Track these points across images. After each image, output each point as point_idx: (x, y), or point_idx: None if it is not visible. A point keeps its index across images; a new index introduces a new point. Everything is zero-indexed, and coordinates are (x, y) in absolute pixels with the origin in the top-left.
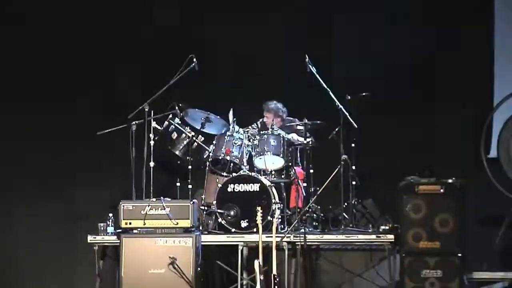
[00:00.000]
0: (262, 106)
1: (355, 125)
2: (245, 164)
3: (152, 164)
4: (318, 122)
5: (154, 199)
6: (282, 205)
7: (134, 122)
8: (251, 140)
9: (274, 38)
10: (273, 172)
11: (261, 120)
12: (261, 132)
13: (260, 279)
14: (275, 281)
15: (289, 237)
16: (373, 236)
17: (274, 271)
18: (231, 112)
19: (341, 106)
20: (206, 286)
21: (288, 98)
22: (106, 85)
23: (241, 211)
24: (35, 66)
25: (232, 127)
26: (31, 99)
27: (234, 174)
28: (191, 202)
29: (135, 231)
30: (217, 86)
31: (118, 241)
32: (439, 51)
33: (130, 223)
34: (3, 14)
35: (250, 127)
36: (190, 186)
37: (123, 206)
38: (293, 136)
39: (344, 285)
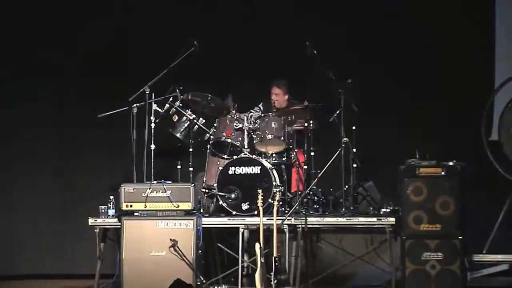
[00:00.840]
0: (271, 85)
1: (355, 108)
2: (246, 146)
3: (153, 146)
4: (319, 104)
5: (155, 182)
6: (283, 187)
7: (135, 105)
8: (252, 123)
9: (275, 22)
10: (274, 155)
11: (262, 103)
12: (262, 115)
13: (261, 261)
14: (276, 264)
15: (290, 219)
16: (374, 219)
17: (275, 254)
18: (230, 98)
19: (341, 89)
20: (206, 269)
21: (289, 81)
22: (107, 67)
23: (242, 193)
24: (37, 48)
25: (232, 110)
26: (32, 81)
27: (235, 156)
28: (192, 185)
29: (136, 213)
30: (218, 69)
31: (119, 223)
32: (440, 34)
33: (131, 206)
34: None
35: (252, 110)
36: (191, 169)
37: (124, 188)
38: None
39: (345, 267)
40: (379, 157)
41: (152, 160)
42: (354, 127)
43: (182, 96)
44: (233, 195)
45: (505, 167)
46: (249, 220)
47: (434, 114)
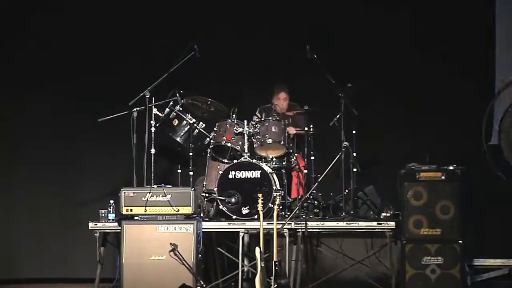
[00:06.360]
0: (277, 89)
1: (355, 112)
2: (246, 151)
3: (153, 150)
4: (319, 109)
5: (155, 186)
6: (283, 192)
7: (135, 109)
8: (252, 127)
9: (275, 25)
10: (274, 159)
11: (258, 109)
12: (262, 119)
13: (261, 266)
14: (276, 268)
15: (290, 224)
16: (374, 223)
17: (275, 258)
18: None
19: (341, 93)
20: (206, 273)
21: (289, 85)
22: (107, 72)
23: (242, 198)
24: (37, 50)
25: (231, 114)
26: (33, 86)
27: (235, 161)
28: (192, 189)
29: (136, 217)
30: (218, 73)
31: (119, 227)
32: (440, 38)
33: (131, 210)
34: None
35: (252, 122)
36: (191, 173)
37: (124, 193)
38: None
39: (345, 271)
40: (379, 161)
41: (152, 164)
42: (354, 132)
43: (182, 100)
44: (233, 199)
45: (505, 172)
46: (249, 224)
47: (434, 118)
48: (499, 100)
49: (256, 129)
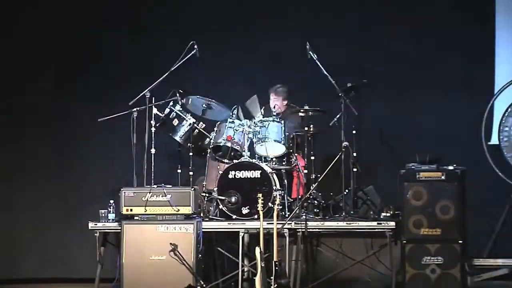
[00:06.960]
0: (269, 91)
1: (355, 112)
2: (246, 150)
3: (153, 150)
4: (319, 109)
5: (155, 186)
6: (283, 192)
7: (135, 109)
8: (252, 127)
9: (275, 25)
10: (274, 159)
11: (263, 107)
12: (262, 119)
13: (261, 265)
14: (276, 268)
15: (290, 224)
16: (374, 223)
17: (275, 258)
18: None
19: (341, 93)
20: (207, 273)
21: (289, 85)
22: (107, 71)
23: (242, 197)
24: (37, 51)
25: (232, 113)
26: (33, 85)
27: (235, 160)
28: (192, 189)
29: (136, 217)
30: (218, 73)
31: (119, 227)
32: (440, 37)
33: (131, 210)
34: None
35: (258, 113)
36: (191, 173)
37: (124, 193)
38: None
39: (345, 271)
40: (379, 161)
41: (152, 164)
42: (354, 131)
43: (182, 100)
44: (233, 199)
45: (505, 171)
46: (249, 224)
47: (435, 117)
48: (499, 100)
49: (256, 129)
